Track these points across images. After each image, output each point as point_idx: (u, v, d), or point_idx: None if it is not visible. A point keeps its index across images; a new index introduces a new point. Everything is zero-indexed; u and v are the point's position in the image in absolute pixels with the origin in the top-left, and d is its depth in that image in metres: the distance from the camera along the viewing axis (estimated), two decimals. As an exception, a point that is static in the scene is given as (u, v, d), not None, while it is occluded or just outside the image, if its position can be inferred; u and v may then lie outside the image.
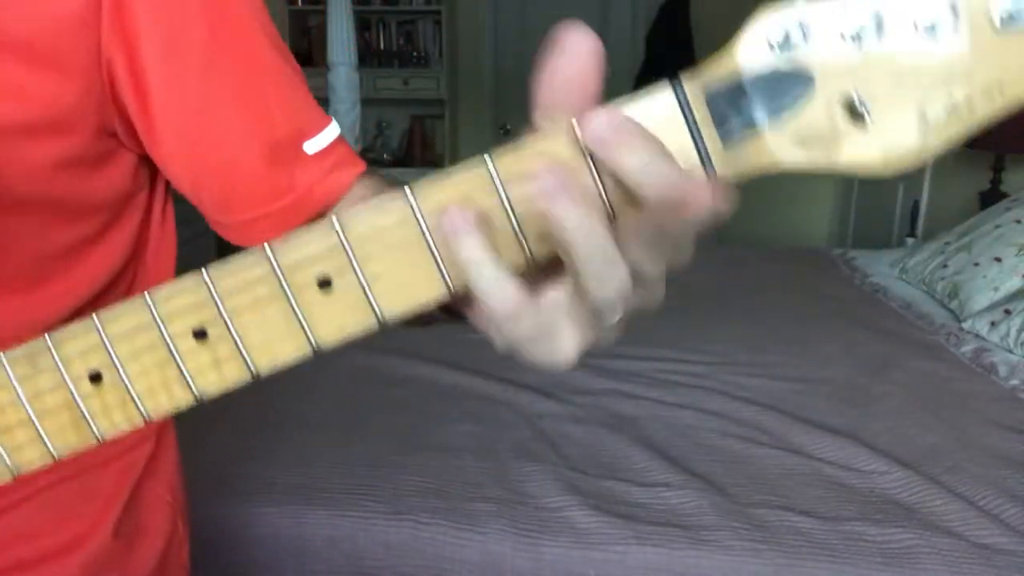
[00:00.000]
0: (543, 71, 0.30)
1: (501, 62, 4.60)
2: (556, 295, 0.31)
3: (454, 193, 0.31)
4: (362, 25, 4.31)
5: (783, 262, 2.86)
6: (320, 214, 0.49)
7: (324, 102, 2.75)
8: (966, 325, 2.18)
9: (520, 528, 1.27)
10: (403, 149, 4.69)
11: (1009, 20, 0.27)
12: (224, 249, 0.53)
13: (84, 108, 0.44)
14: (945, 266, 2.46)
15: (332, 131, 0.51)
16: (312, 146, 0.49)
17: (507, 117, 4.70)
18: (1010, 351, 2.00)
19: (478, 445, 1.52)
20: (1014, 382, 1.88)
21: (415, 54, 4.49)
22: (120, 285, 0.53)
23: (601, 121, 0.28)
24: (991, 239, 2.37)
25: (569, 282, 0.30)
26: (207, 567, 1.29)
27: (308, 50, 4.50)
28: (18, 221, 0.44)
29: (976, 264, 2.33)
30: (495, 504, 1.32)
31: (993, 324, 2.08)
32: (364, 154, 3.75)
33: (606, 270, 0.29)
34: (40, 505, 0.52)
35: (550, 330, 0.31)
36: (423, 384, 1.80)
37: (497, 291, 0.30)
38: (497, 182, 0.30)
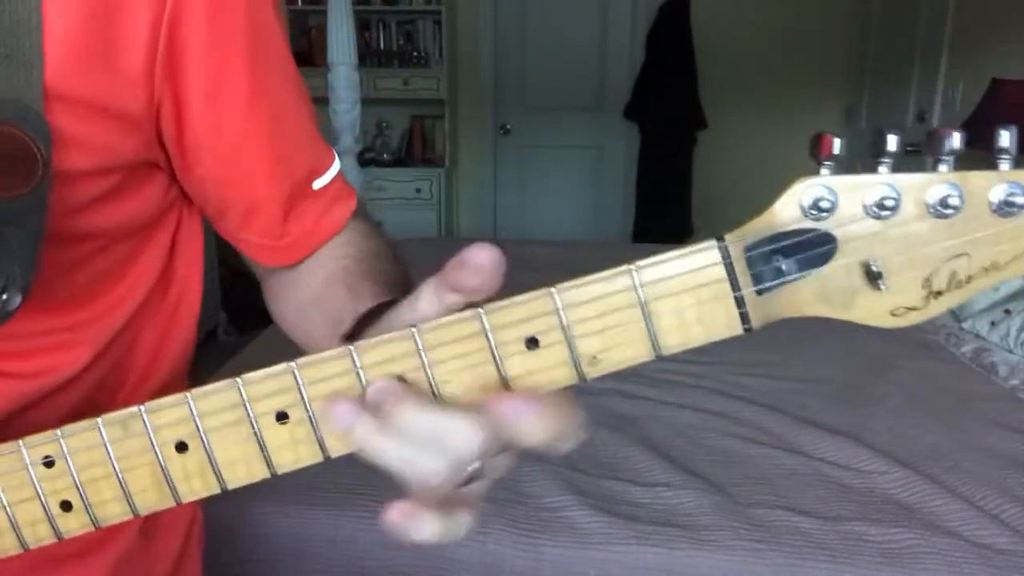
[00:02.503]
0: (457, 268, 0.34)
1: (501, 62, 4.60)
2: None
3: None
4: (362, 25, 4.30)
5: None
6: (319, 247, 0.54)
7: (324, 102, 2.74)
8: (966, 325, 2.18)
9: (520, 528, 1.27)
10: (403, 149, 4.69)
11: (1004, 206, 0.32)
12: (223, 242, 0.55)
13: (135, 148, 0.47)
14: (945, 266, 2.46)
15: (335, 167, 0.56)
16: (319, 183, 0.54)
17: (507, 117, 4.70)
18: (1010, 351, 2.00)
19: (478, 445, 1.52)
20: (1014, 382, 1.88)
21: (415, 54, 4.49)
22: (157, 288, 0.55)
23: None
24: (991, 239, 2.37)
25: None
26: (207, 567, 1.29)
27: (308, 50, 4.49)
28: (72, 251, 0.47)
29: (976, 264, 2.33)
30: (495, 504, 1.32)
31: (993, 324, 2.08)
32: (364, 154, 3.75)
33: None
34: None
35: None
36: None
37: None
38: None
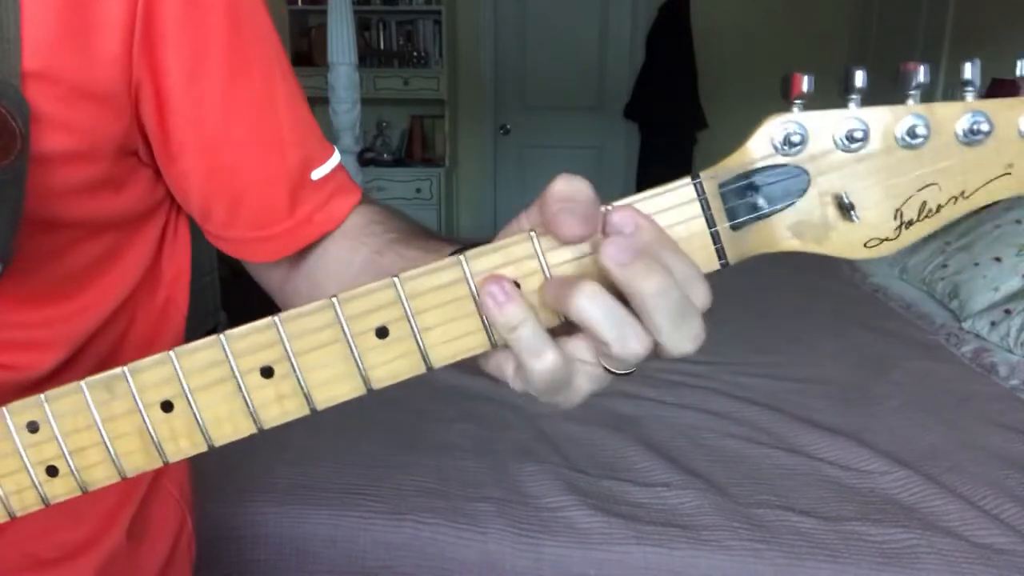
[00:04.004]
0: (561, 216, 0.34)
1: (501, 62, 4.60)
2: (579, 351, 0.35)
3: (500, 259, 0.35)
4: (362, 25, 4.30)
5: (783, 262, 2.85)
6: (318, 240, 0.53)
7: (324, 102, 2.75)
8: (966, 325, 2.18)
9: (520, 528, 1.27)
10: (403, 149, 4.69)
11: (969, 135, 0.33)
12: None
13: (115, 134, 0.46)
14: (945, 266, 2.46)
15: (334, 159, 0.54)
16: (317, 174, 0.52)
17: (507, 117, 4.70)
18: (1010, 351, 2.00)
19: (478, 445, 1.52)
20: (1014, 382, 1.88)
21: (415, 54, 4.49)
22: (143, 289, 0.55)
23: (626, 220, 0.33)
24: (991, 239, 2.37)
25: (590, 342, 0.35)
26: (208, 567, 1.29)
27: (308, 50, 4.50)
28: (50, 239, 0.46)
29: (976, 264, 2.33)
30: (495, 504, 1.32)
31: (993, 324, 2.08)
32: (364, 154, 3.75)
33: (626, 332, 0.33)
34: (58, 505, 0.53)
35: (568, 379, 0.35)
36: (423, 384, 1.80)
37: (536, 349, 0.34)
38: (539, 252, 0.35)
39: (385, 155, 4.57)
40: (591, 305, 0.33)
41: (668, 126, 4.35)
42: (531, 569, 1.24)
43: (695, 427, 1.63)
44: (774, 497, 1.37)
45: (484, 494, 1.35)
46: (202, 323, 3.51)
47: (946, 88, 3.26)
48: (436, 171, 4.48)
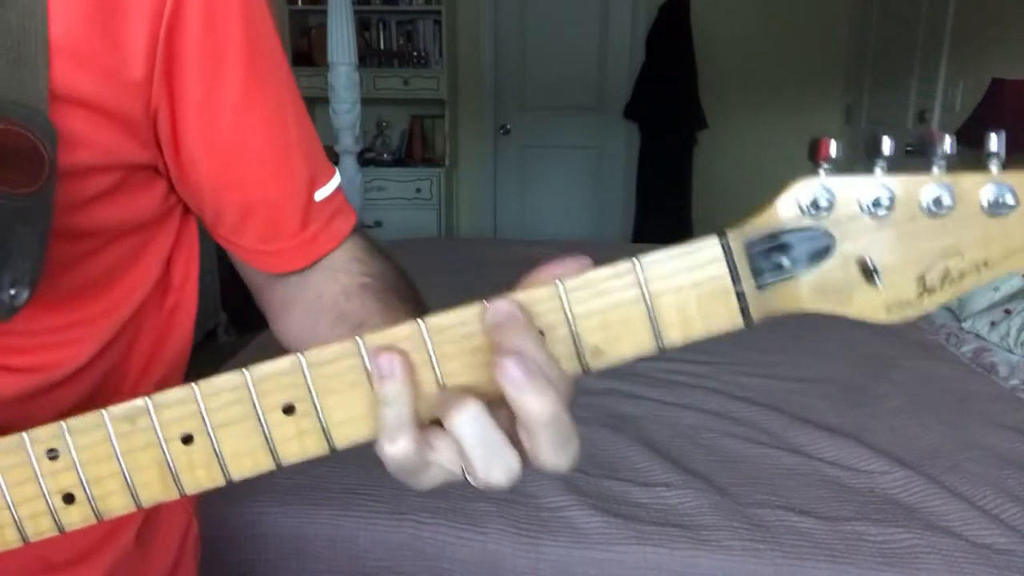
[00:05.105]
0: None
1: (501, 62, 4.60)
2: (443, 449, 0.36)
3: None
4: (362, 25, 4.30)
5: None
6: (319, 259, 0.55)
7: (324, 102, 2.75)
8: (966, 325, 2.18)
9: (520, 528, 1.27)
10: (403, 149, 4.69)
11: (994, 206, 0.33)
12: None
13: (135, 151, 0.48)
14: (945, 266, 2.46)
15: (335, 180, 0.56)
16: (320, 194, 0.54)
17: (507, 117, 4.70)
18: (1010, 351, 2.00)
19: (478, 445, 1.52)
20: (1014, 382, 1.88)
21: (415, 54, 4.49)
22: (153, 295, 0.56)
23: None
24: (991, 239, 2.37)
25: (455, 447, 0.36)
26: (208, 567, 1.29)
27: (308, 50, 4.49)
28: (70, 247, 0.47)
29: (976, 264, 2.33)
30: (495, 504, 1.32)
31: (993, 324, 2.08)
32: (364, 154, 3.75)
33: (493, 462, 0.35)
34: None
35: (422, 469, 0.37)
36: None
37: (393, 434, 0.36)
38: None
39: (385, 155, 4.57)
40: (468, 428, 0.34)
41: (668, 126, 4.35)
42: (531, 569, 1.24)
43: (695, 427, 1.63)
44: (774, 497, 1.37)
45: (484, 494, 1.35)
46: (202, 324, 3.51)
47: (945, 89, 3.25)
48: (436, 171, 4.48)
